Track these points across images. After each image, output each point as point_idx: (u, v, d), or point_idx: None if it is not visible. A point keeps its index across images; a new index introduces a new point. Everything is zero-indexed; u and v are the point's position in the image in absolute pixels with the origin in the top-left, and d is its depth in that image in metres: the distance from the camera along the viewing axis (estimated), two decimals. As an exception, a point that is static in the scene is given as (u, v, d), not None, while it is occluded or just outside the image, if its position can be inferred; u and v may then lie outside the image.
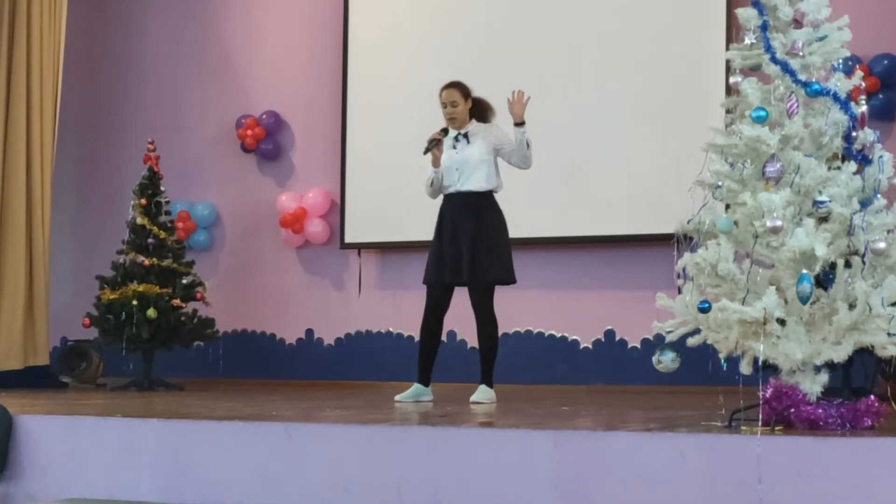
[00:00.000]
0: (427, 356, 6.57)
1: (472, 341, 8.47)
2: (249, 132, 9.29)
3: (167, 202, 8.56)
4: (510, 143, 6.52)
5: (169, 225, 8.49)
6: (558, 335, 8.30)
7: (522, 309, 8.38)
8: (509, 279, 6.56)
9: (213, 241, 9.56)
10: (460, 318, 8.49)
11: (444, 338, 8.52)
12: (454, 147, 6.55)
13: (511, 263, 6.56)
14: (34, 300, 8.52)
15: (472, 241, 6.45)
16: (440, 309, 6.59)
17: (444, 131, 6.65)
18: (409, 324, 8.59)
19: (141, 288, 8.13)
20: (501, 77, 8.51)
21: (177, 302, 8.19)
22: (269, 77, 9.48)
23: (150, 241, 8.30)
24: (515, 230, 8.30)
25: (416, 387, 6.52)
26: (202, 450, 4.60)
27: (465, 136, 6.55)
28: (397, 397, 6.45)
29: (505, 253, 6.54)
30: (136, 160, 8.99)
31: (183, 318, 8.27)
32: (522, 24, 8.52)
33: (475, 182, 6.51)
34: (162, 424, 4.76)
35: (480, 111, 6.65)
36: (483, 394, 6.38)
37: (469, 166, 6.49)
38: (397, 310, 8.76)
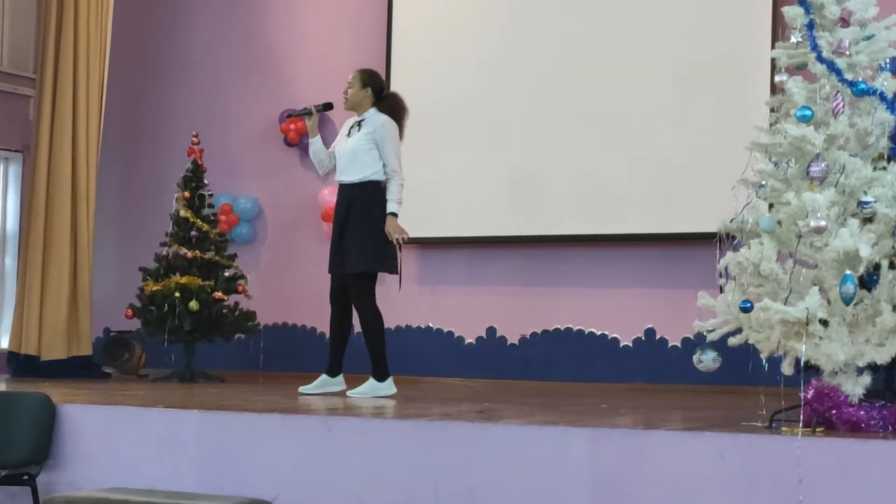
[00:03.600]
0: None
1: (512, 338, 8.52)
2: (293, 126, 9.31)
3: (210, 195, 8.62)
4: (384, 149, 6.45)
5: (212, 218, 8.54)
6: (598, 333, 8.26)
7: (562, 306, 8.36)
8: (370, 269, 6.43)
9: (255, 235, 9.61)
10: (501, 315, 8.55)
11: (483, 334, 8.59)
12: (349, 135, 6.58)
13: (375, 255, 6.40)
14: (78, 291, 8.61)
15: (344, 231, 6.47)
16: (342, 296, 6.51)
17: (326, 106, 6.83)
18: (449, 319, 8.59)
19: (183, 280, 8.19)
20: (545, 73, 8.54)
21: (219, 294, 8.24)
22: (312, 71, 9.50)
23: (193, 233, 8.36)
24: (557, 227, 8.36)
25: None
26: (242, 441, 4.64)
27: (360, 124, 6.56)
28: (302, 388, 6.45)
29: (370, 244, 6.40)
30: (180, 153, 9.05)
31: (224, 311, 8.31)
32: (566, 22, 8.49)
33: (350, 172, 6.51)
34: (202, 416, 4.80)
35: (388, 106, 6.58)
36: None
37: (347, 157, 6.50)
38: (436, 305, 8.75)
